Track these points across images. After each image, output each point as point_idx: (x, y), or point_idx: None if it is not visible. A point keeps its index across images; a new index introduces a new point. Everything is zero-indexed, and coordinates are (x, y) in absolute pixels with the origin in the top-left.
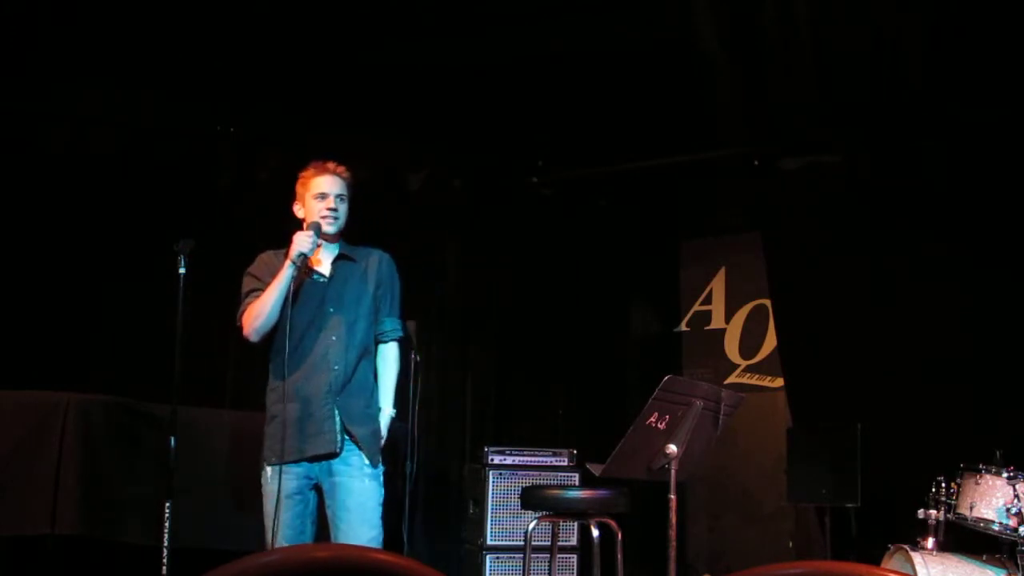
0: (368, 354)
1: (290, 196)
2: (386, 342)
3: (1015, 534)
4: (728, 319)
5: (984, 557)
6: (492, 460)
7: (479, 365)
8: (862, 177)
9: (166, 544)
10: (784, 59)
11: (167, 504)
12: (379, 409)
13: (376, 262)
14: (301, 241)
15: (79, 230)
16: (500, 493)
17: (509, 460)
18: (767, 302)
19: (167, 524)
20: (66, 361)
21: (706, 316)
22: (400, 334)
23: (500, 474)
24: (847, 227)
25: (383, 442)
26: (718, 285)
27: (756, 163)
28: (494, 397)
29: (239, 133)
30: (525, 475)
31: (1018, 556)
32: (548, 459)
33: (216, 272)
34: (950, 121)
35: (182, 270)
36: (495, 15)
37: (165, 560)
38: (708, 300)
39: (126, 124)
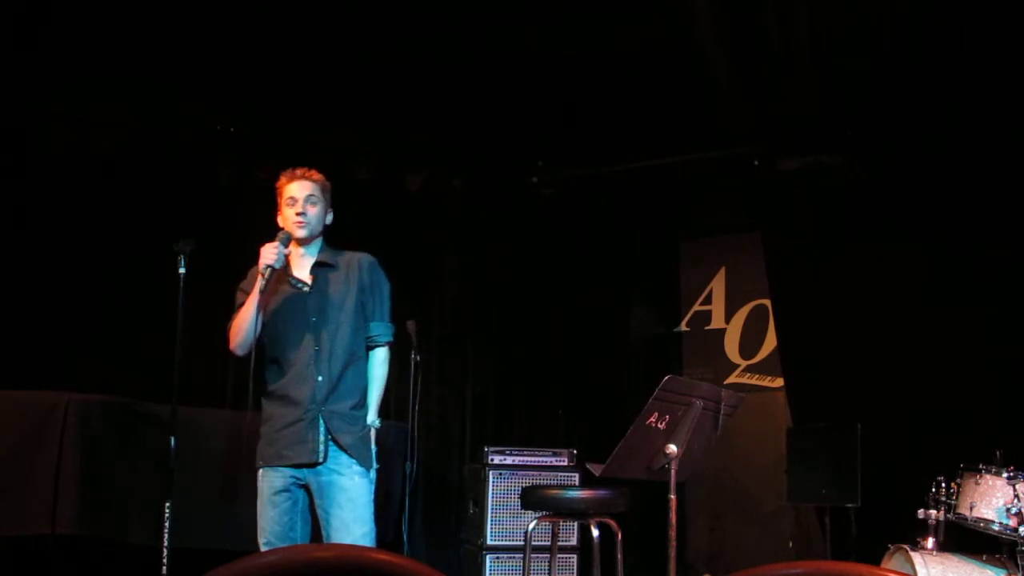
0: (356, 360)
1: None
2: (374, 347)
3: (1015, 534)
4: (728, 319)
5: (984, 557)
6: (492, 460)
7: (479, 365)
8: (862, 177)
9: (166, 544)
10: (784, 59)
11: (167, 504)
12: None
13: (357, 266)
14: (267, 254)
15: (79, 230)
16: (500, 493)
17: (509, 460)
18: (767, 302)
19: (167, 524)
20: (66, 361)
21: (706, 316)
22: (389, 338)
23: (500, 474)
24: (847, 227)
25: (375, 451)
26: (718, 285)
27: (756, 163)
28: (494, 397)
29: (239, 133)
30: (525, 475)
31: (1018, 556)
32: (548, 459)
33: (216, 272)
34: (950, 121)
35: (182, 270)
36: (495, 15)
37: (165, 560)
38: (708, 300)
39: (126, 124)
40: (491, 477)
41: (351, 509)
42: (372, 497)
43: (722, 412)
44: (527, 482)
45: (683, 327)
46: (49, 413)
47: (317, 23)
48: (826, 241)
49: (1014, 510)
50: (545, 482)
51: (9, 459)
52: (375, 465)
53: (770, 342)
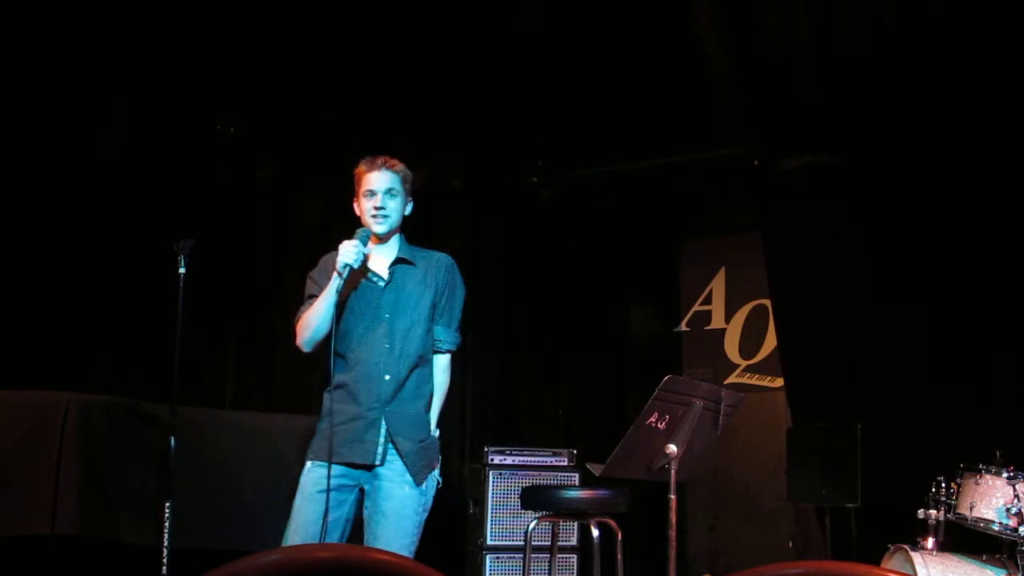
0: (424, 363)
1: (290, 195)
2: (436, 352)
3: (1015, 534)
4: (728, 319)
5: (984, 557)
6: (492, 460)
7: (479, 365)
8: (862, 177)
9: (166, 544)
10: (784, 59)
11: (167, 504)
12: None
13: (436, 266)
14: (346, 252)
15: (79, 230)
16: (500, 493)
17: (509, 460)
18: (767, 302)
19: (167, 524)
20: (66, 361)
21: (706, 316)
22: (452, 346)
23: (500, 474)
24: (847, 227)
25: (437, 464)
26: (718, 285)
27: (756, 163)
28: (494, 397)
29: (239, 133)
30: (525, 475)
31: (1018, 556)
32: (548, 459)
33: (216, 272)
34: (950, 121)
35: (182, 270)
36: (495, 15)
37: (165, 560)
38: (708, 300)
39: (126, 124)
40: (491, 477)
41: (396, 520)
42: (421, 508)
43: (722, 412)
44: (527, 482)
45: (683, 327)
46: (49, 413)
47: (317, 23)
48: (826, 241)
49: (1014, 510)
50: (545, 482)
51: (9, 459)
52: (438, 479)
53: (770, 342)
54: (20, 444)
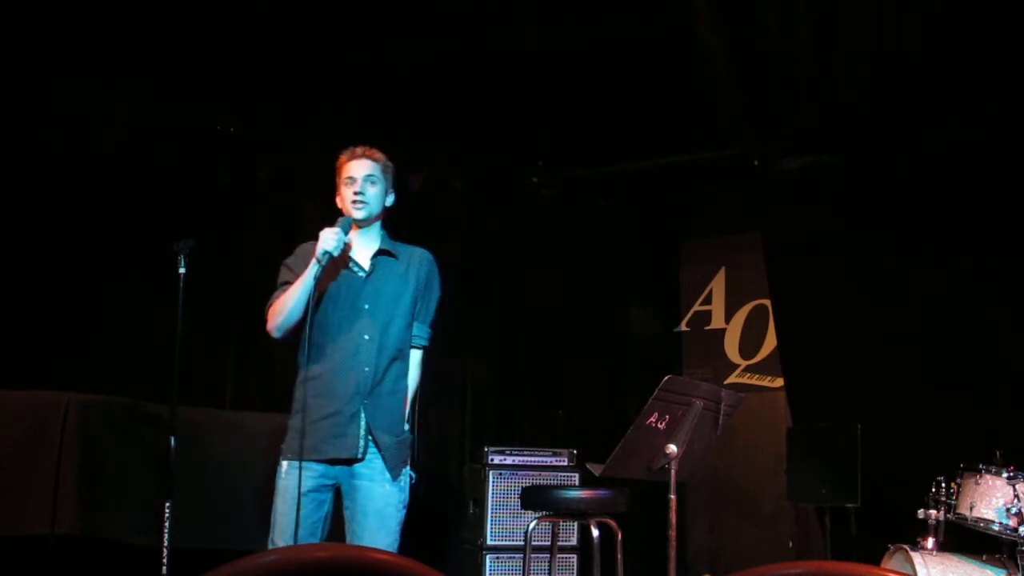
0: (403, 357)
1: (290, 195)
2: (412, 348)
3: (1015, 534)
4: (728, 319)
5: (984, 557)
6: (492, 460)
7: (479, 365)
8: (862, 177)
9: (166, 544)
10: (784, 59)
11: (167, 504)
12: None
13: (418, 262)
14: (326, 239)
15: (79, 230)
16: (500, 493)
17: (509, 460)
18: (767, 302)
19: (167, 524)
20: (66, 361)
21: (706, 316)
22: (427, 341)
23: (500, 474)
24: (847, 227)
25: (407, 459)
26: (718, 285)
27: (756, 163)
28: (494, 397)
29: (239, 133)
30: (525, 475)
31: (1018, 556)
32: (548, 459)
33: (216, 272)
34: (950, 121)
35: (182, 270)
36: (495, 15)
37: (165, 560)
38: (708, 300)
39: (126, 124)
40: (491, 477)
41: (378, 519)
42: (402, 505)
43: (722, 412)
44: (527, 482)
45: (683, 327)
46: (49, 413)
47: (317, 23)
48: (826, 241)
49: (1014, 510)
50: (545, 482)
51: (9, 459)
52: (411, 475)
53: (770, 342)
54: (20, 444)
